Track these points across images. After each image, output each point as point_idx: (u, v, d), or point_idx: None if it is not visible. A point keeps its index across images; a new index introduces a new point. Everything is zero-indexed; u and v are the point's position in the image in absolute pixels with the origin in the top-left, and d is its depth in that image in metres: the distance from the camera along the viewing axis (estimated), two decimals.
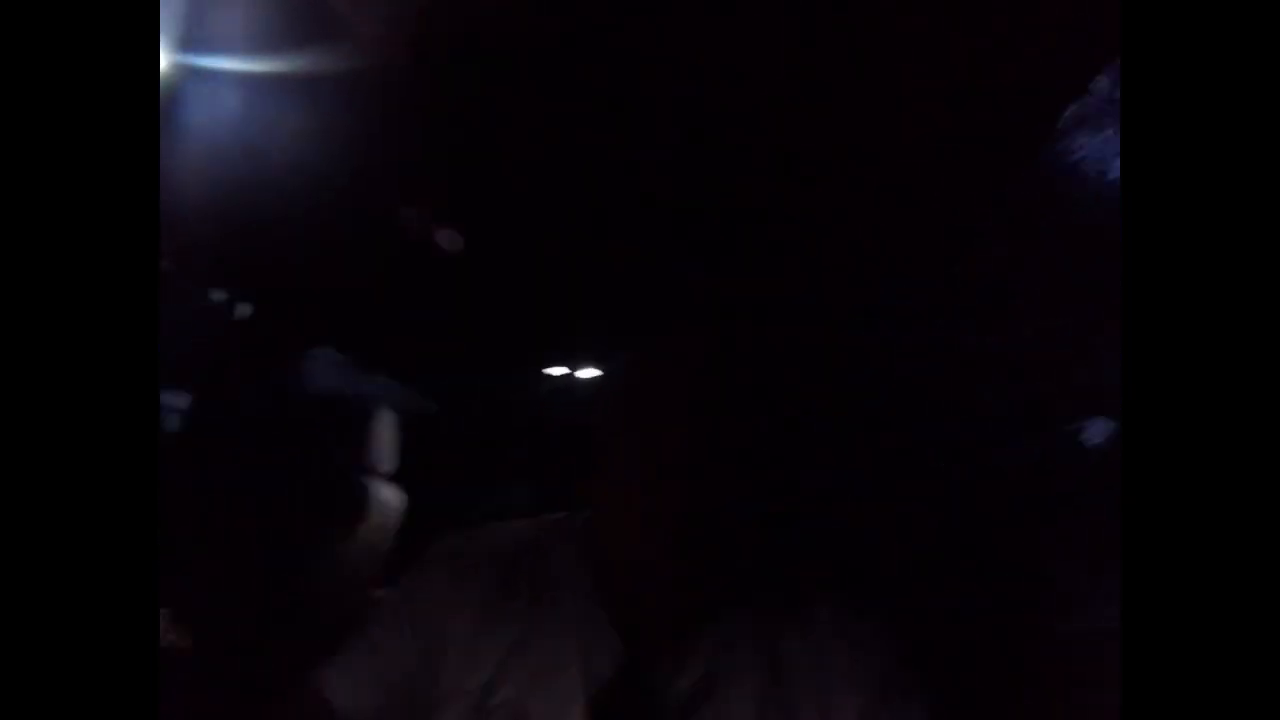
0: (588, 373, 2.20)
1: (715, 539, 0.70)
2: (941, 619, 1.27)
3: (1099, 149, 1.25)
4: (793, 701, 0.69)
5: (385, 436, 2.06)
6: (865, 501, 1.48)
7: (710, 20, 0.83)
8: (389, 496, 2.03)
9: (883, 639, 0.72)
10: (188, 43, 0.92)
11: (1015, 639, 1.40)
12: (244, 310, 1.88)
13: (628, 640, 0.71)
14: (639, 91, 0.96)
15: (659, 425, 0.69)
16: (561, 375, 2.28)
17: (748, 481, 0.71)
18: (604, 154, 1.10)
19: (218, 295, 1.84)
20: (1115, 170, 1.24)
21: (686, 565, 0.70)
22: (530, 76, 0.94)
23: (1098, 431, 1.48)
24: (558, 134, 1.06)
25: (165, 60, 0.95)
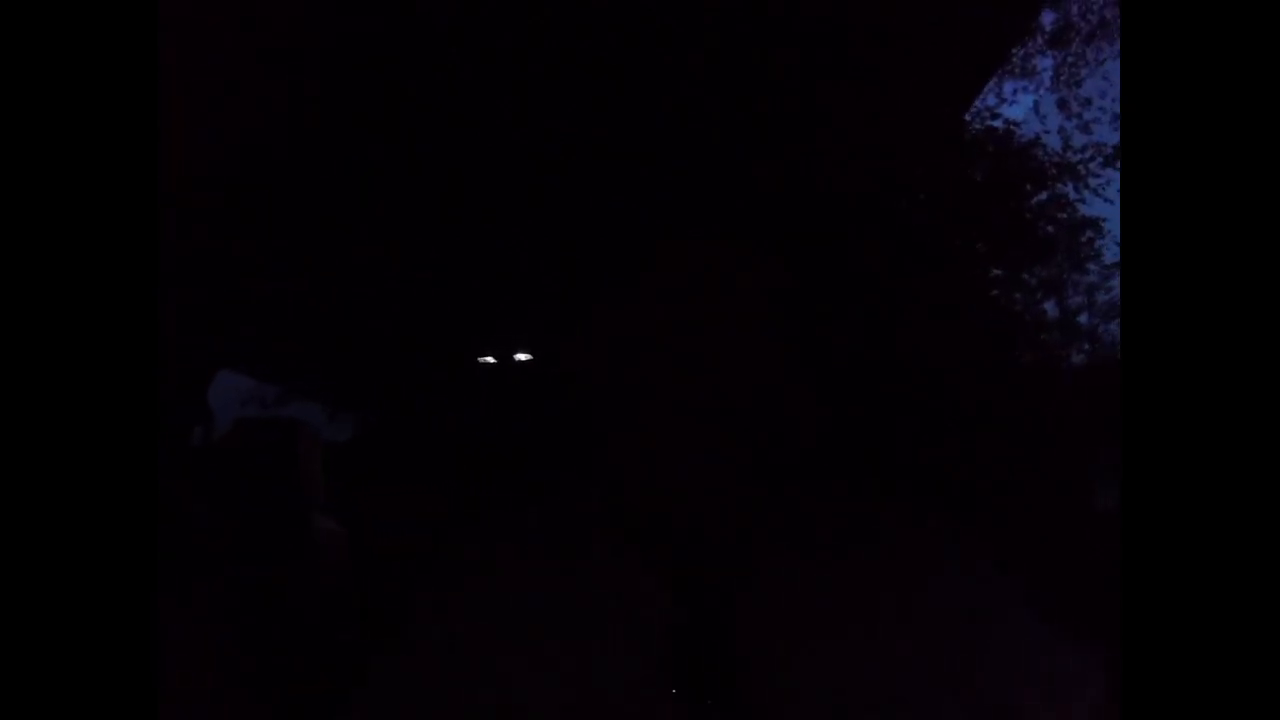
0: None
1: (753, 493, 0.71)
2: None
3: None
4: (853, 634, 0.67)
5: (310, 463, 1.89)
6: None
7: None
8: (327, 526, 1.91)
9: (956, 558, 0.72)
10: None
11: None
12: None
13: (677, 599, 0.69)
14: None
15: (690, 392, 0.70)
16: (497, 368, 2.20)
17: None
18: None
19: None
20: None
21: (729, 518, 0.71)
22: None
23: None
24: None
25: None
